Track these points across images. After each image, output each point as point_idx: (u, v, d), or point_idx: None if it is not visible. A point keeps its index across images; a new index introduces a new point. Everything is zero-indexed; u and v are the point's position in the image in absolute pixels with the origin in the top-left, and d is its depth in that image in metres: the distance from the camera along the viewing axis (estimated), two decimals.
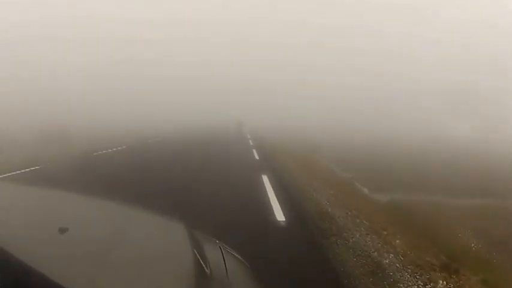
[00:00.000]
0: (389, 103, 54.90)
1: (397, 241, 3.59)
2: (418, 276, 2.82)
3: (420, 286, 2.68)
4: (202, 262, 0.74)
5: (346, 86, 64.28)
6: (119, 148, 11.64)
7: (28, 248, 0.65)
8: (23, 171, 6.76)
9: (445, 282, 2.76)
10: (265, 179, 6.88)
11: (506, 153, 19.89)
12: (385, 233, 3.87)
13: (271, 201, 5.06)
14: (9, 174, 6.41)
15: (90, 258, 0.68)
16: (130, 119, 30.84)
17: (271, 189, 5.93)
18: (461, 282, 2.81)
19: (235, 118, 30.68)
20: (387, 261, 3.08)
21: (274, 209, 4.58)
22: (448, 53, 68.34)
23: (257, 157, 11.19)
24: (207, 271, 0.72)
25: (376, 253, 3.25)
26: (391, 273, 2.85)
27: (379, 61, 73.21)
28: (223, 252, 0.91)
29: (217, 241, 1.00)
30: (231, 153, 12.57)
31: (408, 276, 2.83)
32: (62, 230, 0.75)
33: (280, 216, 4.30)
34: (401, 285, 2.67)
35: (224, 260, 0.86)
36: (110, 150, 11.00)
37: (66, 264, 0.64)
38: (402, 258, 3.15)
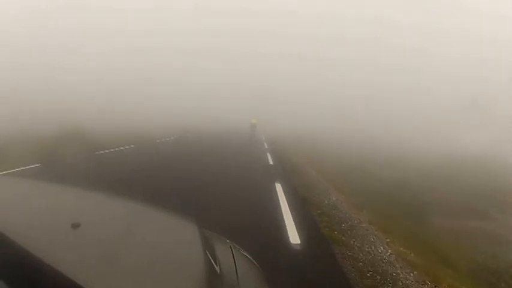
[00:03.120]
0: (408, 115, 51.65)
1: None
2: None
3: None
4: (212, 261, 0.73)
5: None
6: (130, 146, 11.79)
7: (42, 242, 0.65)
8: None
9: None
10: None
11: None
12: None
13: None
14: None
15: (101, 254, 0.69)
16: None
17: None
18: None
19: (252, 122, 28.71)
20: None
21: None
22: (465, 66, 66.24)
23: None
24: (217, 270, 0.72)
25: None
26: None
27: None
28: (233, 251, 0.91)
29: (227, 240, 0.99)
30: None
31: None
32: (75, 226, 0.76)
33: None
34: None
35: (234, 260, 0.85)
36: (116, 148, 11.16)
37: (78, 258, 0.65)
38: None
